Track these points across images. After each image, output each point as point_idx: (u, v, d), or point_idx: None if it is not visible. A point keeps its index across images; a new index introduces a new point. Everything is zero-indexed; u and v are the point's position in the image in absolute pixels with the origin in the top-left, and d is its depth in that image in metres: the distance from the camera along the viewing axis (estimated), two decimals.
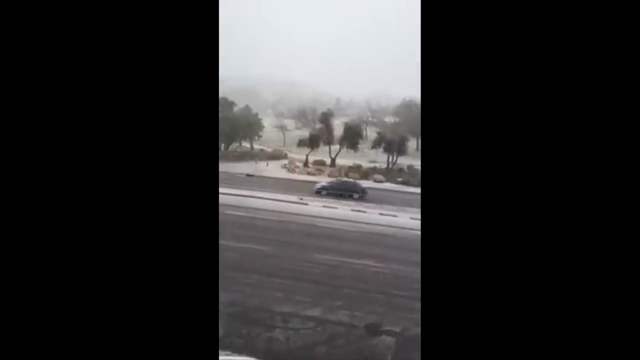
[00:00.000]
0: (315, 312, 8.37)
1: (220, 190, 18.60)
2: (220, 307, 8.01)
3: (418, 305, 9.53)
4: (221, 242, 9.93)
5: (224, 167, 25.66)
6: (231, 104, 34.84)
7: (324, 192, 20.26)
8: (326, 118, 29.75)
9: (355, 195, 20.27)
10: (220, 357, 5.73)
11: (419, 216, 17.23)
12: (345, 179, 23.69)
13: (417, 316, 8.46)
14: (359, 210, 17.61)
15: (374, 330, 7.93)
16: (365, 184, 22.95)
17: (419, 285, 8.14)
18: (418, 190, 23.38)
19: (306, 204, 18.09)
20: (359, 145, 29.88)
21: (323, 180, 22.64)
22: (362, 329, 7.92)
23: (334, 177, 24.75)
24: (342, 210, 17.50)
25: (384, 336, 7.76)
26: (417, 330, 7.97)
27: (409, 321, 8.26)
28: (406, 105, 50.25)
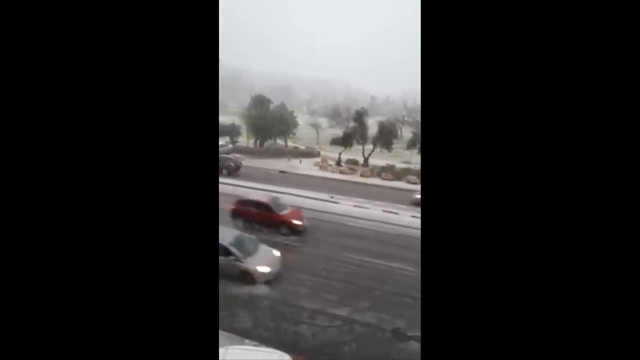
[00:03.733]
0: (343, 311, 8.37)
1: (253, 185, 19.07)
2: (249, 299, 8.28)
3: None
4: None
5: (258, 162, 26.34)
6: (267, 101, 35.59)
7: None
8: (360, 116, 29.47)
9: None
10: (247, 347, 5.93)
11: None
12: None
13: None
14: (390, 212, 17.30)
15: (401, 334, 7.78)
16: (397, 185, 22.46)
17: None
18: None
19: (337, 202, 18.09)
20: (393, 145, 29.32)
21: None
22: (389, 332, 7.79)
23: (366, 176, 24.42)
24: (374, 210, 17.29)
25: (411, 342, 7.58)
26: None
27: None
28: None
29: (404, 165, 29.02)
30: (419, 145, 28.64)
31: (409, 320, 8.22)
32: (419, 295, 8.04)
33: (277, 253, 9.89)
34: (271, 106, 35.94)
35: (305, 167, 27.26)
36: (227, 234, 9.51)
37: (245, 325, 7.40)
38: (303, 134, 42.13)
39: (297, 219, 12.56)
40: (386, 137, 28.85)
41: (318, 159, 30.13)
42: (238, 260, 8.89)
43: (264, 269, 9.01)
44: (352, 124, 30.02)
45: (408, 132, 33.61)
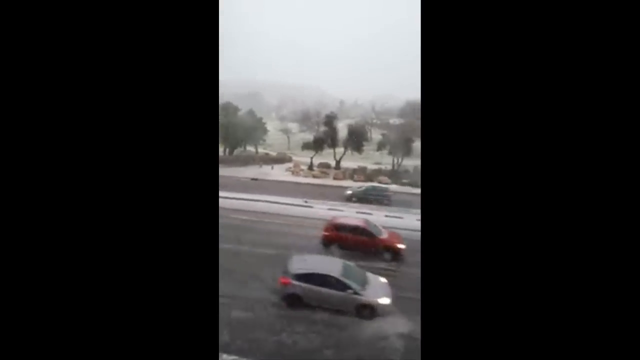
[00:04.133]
0: (323, 315, 8.28)
1: (225, 194, 18.56)
2: (224, 311, 7.97)
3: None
4: (225, 246, 9.81)
5: (228, 171, 25.74)
6: (235, 109, 35.03)
7: (354, 199, 19.36)
8: (330, 121, 29.76)
9: (385, 201, 19.43)
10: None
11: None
12: (376, 184, 22.83)
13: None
14: (364, 212, 17.50)
15: (382, 333, 7.81)
16: (372, 185, 22.80)
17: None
18: None
19: (311, 207, 18.03)
20: (364, 148, 29.82)
21: (353, 185, 21.61)
22: (371, 332, 7.81)
23: (338, 179, 24.64)
24: (348, 212, 17.40)
25: (392, 339, 7.63)
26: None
27: (417, 323, 8.13)
28: (410, 107, 50.14)
29: (375, 167, 29.60)
30: (388, 147, 29.34)
31: (390, 318, 8.29)
32: (399, 294, 8.07)
33: (384, 280, 9.01)
34: (239, 113, 35.44)
35: (278, 173, 27.04)
36: (333, 264, 8.59)
37: (222, 339, 7.10)
38: (273, 140, 41.86)
39: (399, 242, 11.49)
40: (356, 139, 29.32)
41: (290, 165, 30.00)
42: (356, 293, 8.03)
43: (384, 300, 8.15)
44: (322, 128, 30.23)
45: (377, 135, 34.41)
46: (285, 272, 8.47)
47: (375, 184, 22.93)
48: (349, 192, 20.11)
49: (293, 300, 8.13)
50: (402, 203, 20.02)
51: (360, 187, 20.68)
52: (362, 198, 19.40)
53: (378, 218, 16.74)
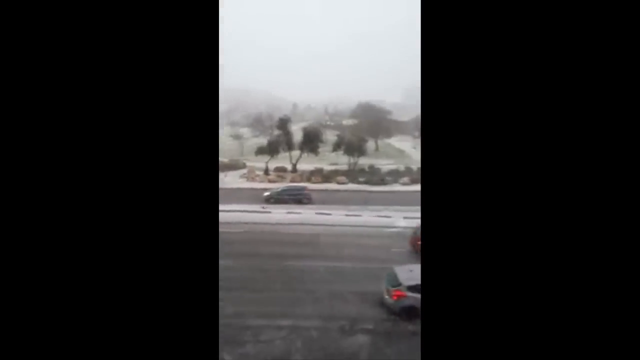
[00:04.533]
0: (288, 321, 8.03)
1: None
2: None
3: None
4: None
5: None
6: None
7: (272, 200, 19.63)
8: (284, 124, 29.47)
9: (305, 200, 19.76)
10: None
11: (384, 214, 17.59)
12: (293, 184, 23.13)
13: (388, 312, 8.47)
14: (323, 213, 17.52)
15: (348, 330, 7.77)
16: (329, 186, 22.99)
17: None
18: (381, 188, 23.86)
19: (269, 212, 17.63)
20: (320, 149, 29.97)
21: (272, 188, 21.93)
22: (336, 331, 7.73)
23: (296, 182, 24.50)
24: (307, 214, 17.30)
25: (358, 335, 7.62)
26: (389, 325, 7.97)
27: (381, 316, 8.23)
28: (362, 108, 51.69)
29: (332, 167, 29.90)
30: (343, 147, 29.81)
31: (355, 314, 8.29)
32: (363, 289, 8.06)
33: None
34: None
35: (232, 180, 26.14)
36: None
37: None
38: (225, 147, 40.52)
39: None
40: (311, 141, 29.39)
41: (244, 171, 29.19)
42: None
43: None
44: (276, 132, 29.85)
45: (332, 136, 34.84)
46: (396, 285, 8.24)
47: (291, 184, 23.31)
48: (267, 193, 20.47)
49: (410, 313, 7.86)
50: (361, 201, 20.41)
51: (277, 189, 21.13)
52: (279, 199, 19.80)
53: (337, 218, 16.84)
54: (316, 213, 17.50)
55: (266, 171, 27.76)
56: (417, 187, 25.17)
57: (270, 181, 25.65)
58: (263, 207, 18.32)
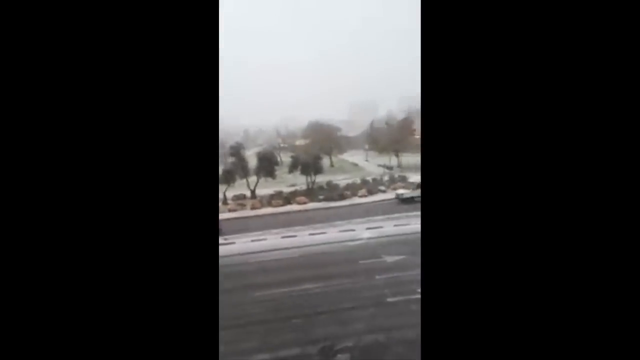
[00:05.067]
0: (265, 355, 7.79)
1: None
2: None
3: (366, 313, 9.53)
4: None
5: None
6: None
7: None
8: (237, 151, 29.09)
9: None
10: None
11: (347, 228, 17.93)
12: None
13: (367, 325, 8.60)
14: (289, 236, 17.41)
15: (327, 352, 7.74)
16: (291, 207, 22.90)
17: (362, 295, 8.30)
18: (341, 203, 24.35)
19: (233, 243, 17.11)
20: (276, 172, 29.94)
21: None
22: (316, 356, 7.65)
23: (257, 208, 24.08)
24: (272, 240, 17.07)
25: (338, 355, 7.62)
26: (370, 338, 8.09)
27: (360, 332, 8.32)
28: (313, 126, 52.81)
29: (291, 189, 29.94)
30: (299, 167, 30.11)
31: (334, 335, 8.28)
32: (337, 307, 8.15)
33: None
34: None
35: None
36: None
37: None
38: None
39: None
40: (267, 165, 29.27)
41: None
42: None
43: None
44: (230, 160, 29.33)
45: (287, 157, 35.03)
46: None
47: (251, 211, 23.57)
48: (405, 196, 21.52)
49: None
50: (324, 218, 20.62)
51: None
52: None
53: (303, 239, 16.84)
54: (282, 237, 17.34)
55: (225, 200, 26.99)
56: (375, 198, 26.07)
57: (230, 210, 24.95)
58: (226, 239, 17.72)
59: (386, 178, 31.88)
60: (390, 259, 13.06)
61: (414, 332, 7.91)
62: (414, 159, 41.50)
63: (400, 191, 24.27)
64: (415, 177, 31.07)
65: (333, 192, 26.79)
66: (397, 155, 44.78)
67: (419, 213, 19.85)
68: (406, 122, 46.79)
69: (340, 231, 17.42)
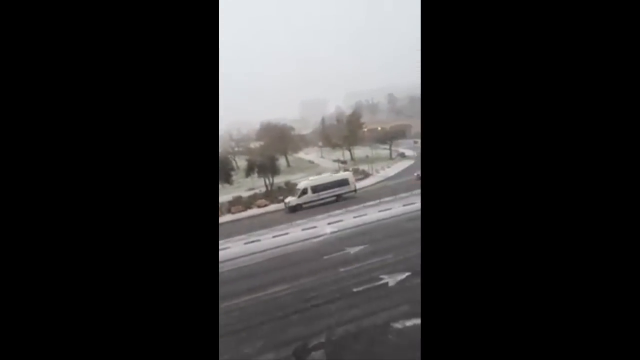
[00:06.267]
0: None
1: None
2: None
3: (333, 307, 9.72)
4: None
5: None
6: None
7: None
8: None
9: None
10: None
11: (309, 225, 18.09)
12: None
13: (334, 319, 8.81)
14: (253, 241, 17.15)
15: (302, 352, 7.83)
16: (252, 212, 22.54)
17: (328, 289, 8.51)
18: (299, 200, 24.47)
19: None
20: (233, 177, 29.21)
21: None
22: (292, 358, 7.70)
23: (234, 212, 23.44)
24: (236, 247, 16.70)
25: (312, 353, 7.74)
26: (341, 331, 8.31)
27: (330, 326, 8.51)
28: (265, 128, 52.19)
29: (250, 192, 29.39)
30: (256, 170, 29.65)
31: (305, 334, 8.38)
32: (304, 305, 8.22)
33: None
34: None
35: None
36: None
37: None
38: None
39: None
40: (223, 172, 28.45)
41: None
42: None
43: None
44: None
45: (242, 161, 34.26)
46: None
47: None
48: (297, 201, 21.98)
49: None
50: (285, 219, 20.58)
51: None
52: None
53: (267, 241, 16.67)
54: (245, 243, 17.03)
55: None
56: (269, 209, 25.41)
57: None
58: None
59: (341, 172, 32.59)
60: (352, 250, 13.46)
61: (382, 318, 8.28)
62: (365, 151, 42.80)
63: (288, 199, 23.93)
64: (367, 168, 31.97)
65: (292, 192, 26.83)
66: (349, 150, 45.89)
67: (375, 202, 20.61)
68: (354, 117, 48.15)
69: (303, 229, 17.54)
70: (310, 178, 25.98)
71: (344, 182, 24.38)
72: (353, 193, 24.29)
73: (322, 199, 23.44)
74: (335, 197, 23.73)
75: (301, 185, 24.46)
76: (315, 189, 23.64)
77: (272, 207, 25.03)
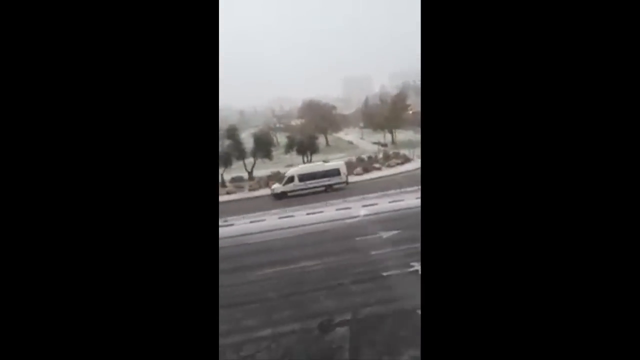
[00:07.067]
0: (267, 331, 8.11)
1: None
2: None
3: (358, 288, 9.77)
4: None
5: None
6: None
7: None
8: (232, 133, 28.87)
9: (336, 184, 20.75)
10: None
11: (342, 205, 18.14)
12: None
13: (362, 298, 8.91)
14: (287, 216, 17.63)
15: (327, 326, 8.06)
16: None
17: (355, 270, 8.53)
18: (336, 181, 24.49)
19: (232, 225, 17.34)
20: (273, 153, 29.85)
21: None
22: (316, 330, 7.97)
23: (255, 189, 24.23)
24: (271, 220, 17.29)
25: (337, 329, 7.94)
26: (367, 311, 8.41)
27: (356, 305, 8.64)
28: (308, 106, 52.15)
29: (288, 169, 30.00)
30: (296, 147, 30.00)
31: (331, 310, 8.59)
32: (332, 283, 8.34)
33: None
34: None
35: None
36: None
37: None
38: None
39: None
40: (264, 147, 29.15)
41: None
42: None
43: None
44: (226, 142, 29.16)
45: (283, 138, 34.81)
46: None
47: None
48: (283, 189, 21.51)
49: None
50: (320, 197, 20.79)
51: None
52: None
53: (300, 218, 17.04)
54: (279, 218, 17.56)
55: (222, 183, 27.05)
56: (370, 175, 26.13)
57: (228, 193, 25.08)
58: (225, 221, 17.95)
59: (380, 155, 31.88)
60: (385, 234, 13.33)
61: (409, 304, 8.22)
62: (408, 135, 41.19)
63: (274, 186, 22.88)
64: (409, 152, 31.00)
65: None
66: (391, 132, 44.41)
67: (414, 189, 20.06)
68: (399, 98, 46.13)
69: (337, 209, 17.64)
70: (300, 166, 24.87)
71: (334, 173, 22.76)
72: (344, 184, 22.73)
73: (309, 188, 22.24)
74: (324, 187, 22.30)
75: (289, 172, 23.20)
76: (303, 177, 22.33)
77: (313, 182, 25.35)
